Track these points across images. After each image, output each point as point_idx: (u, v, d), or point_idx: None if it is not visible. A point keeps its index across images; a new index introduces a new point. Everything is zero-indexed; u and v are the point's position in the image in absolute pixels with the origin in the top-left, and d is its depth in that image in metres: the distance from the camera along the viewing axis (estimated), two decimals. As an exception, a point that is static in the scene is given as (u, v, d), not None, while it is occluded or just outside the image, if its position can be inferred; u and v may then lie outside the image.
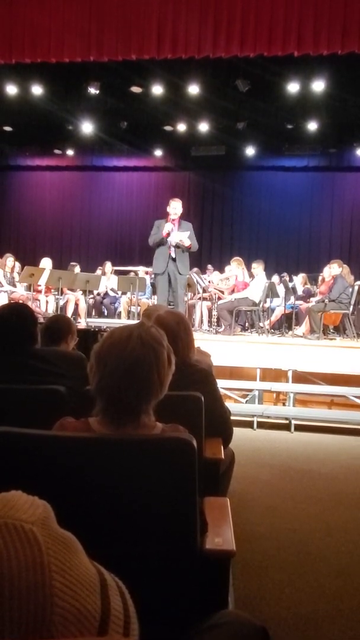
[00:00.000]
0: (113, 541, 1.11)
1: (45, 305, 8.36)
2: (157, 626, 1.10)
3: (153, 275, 7.25)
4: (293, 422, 5.25)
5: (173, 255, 6.37)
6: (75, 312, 8.60)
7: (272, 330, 8.19)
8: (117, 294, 9.41)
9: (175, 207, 6.50)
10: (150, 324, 1.38)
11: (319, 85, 8.99)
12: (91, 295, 9.13)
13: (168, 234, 6.36)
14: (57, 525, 0.58)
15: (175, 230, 6.39)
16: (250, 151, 12.86)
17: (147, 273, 10.25)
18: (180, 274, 6.41)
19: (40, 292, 8.30)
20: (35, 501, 0.58)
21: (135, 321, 1.56)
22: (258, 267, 7.81)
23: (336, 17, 6.33)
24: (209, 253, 14.01)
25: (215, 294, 8.35)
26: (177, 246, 6.36)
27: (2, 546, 0.51)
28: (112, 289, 9.38)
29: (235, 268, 8.06)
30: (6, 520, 0.53)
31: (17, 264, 8.92)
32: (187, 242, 6.34)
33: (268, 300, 8.01)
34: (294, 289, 8.25)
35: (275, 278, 9.45)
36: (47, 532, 0.55)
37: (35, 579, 0.51)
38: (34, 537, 0.53)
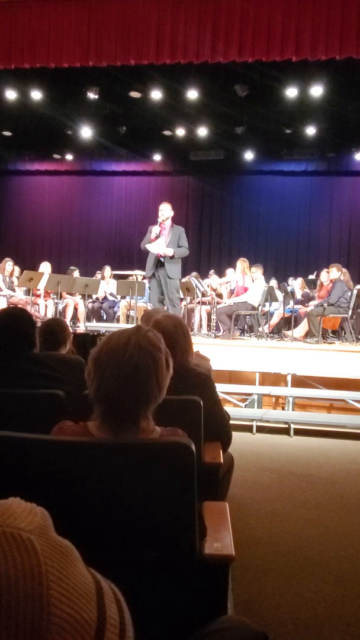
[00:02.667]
0: (111, 546, 1.11)
1: (44, 310, 8.35)
2: (156, 632, 1.09)
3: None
4: (292, 426, 5.25)
5: (162, 259, 6.38)
6: (74, 317, 8.60)
7: (271, 335, 8.19)
8: (116, 298, 9.41)
9: (162, 210, 6.50)
10: (148, 327, 1.37)
11: (317, 90, 9.03)
12: (90, 300, 9.13)
13: (157, 237, 6.38)
14: (54, 533, 0.58)
15: (162, 237, 6.38)
16: (249, 156, 12.89)
17: (144, 278, 10.26)
18: (170, 277, 6.38)
19: (39, 296, 8.29)
20: (33, 509, 0.58)
21: (133, 325, 1.55)
22: (257, 272, 7.81)
23: (334, 22, 6.35)
24: (208, 257, 14.04)
25: (214, 299, 8.35)
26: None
27: (0, 555, 0.51)
28: (111, 294, 9.38)
29: (234, 273, 8.05)
30: (4, 529, 0.53)
31: (16, 268, 8.92)
32: (169, 252, 6.32)
33: (267, 304, 8.01)
34: (292, 293, 8.26)
35: (274, 282, 9.46)
36: (45, 540, 0.55)
37: (33, 588, 0.51)
38: (31, 546, 0.53)
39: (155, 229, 6.40)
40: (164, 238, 6.39)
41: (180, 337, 2.16)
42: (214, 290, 8.92)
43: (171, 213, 6.55)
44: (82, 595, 0.55)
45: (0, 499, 0.59)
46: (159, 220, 6.49)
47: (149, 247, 6.40)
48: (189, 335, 2.29)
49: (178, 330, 2.17)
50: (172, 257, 6.32)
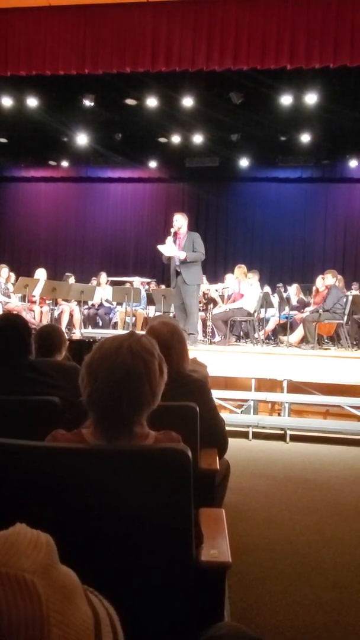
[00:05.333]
0: (107, 553, 1.10)
1: (39, 316, 8.33)
2: (153, 639, 1.09)
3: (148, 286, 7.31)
4: (288, 432, 5.24)
5: (178, 269, 6.53)
6: (70, 323, 8.58)
7: (267, 341, 8.20)
8: (112, 304, 9.41)
9: (176, 220, 6.65)
10: (142, 333, 1.37)
11: (311, 98, 9.10)
12: (86, 306, 9.12)
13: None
14: (58, 568, 0.57)
15: (172, 244, 6.52)
16: (244, 162, 12.95)
17: (141, 284, 10.27)
18: (186, 284, 6.51)
19: (34, 302, 8.27)
20: (38, 542, 0.57)
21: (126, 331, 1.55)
22: (253, 277, 7.83)
23: (328, 30, 6.41)
24: (204, 264, 14.02)
25: (207, 306, 8.36)
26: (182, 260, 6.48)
27: (3, 599, 0.50)
28: (106, 300, 9.38)
29: (232, 279, 8.06)
30: (8, 570, 0.52)
31: (12, 275, 8.90)
32: (181, 255, 6.44)
33: (262, 310, 8.02)
34: (288, 299, 8.28)
35: (267, 289, 9.48)
36: (48, 581, 0.54)
37: (34, 634, 0.50)
38: (34, 590, 0.52)
39: (167, 240, 6.54)
40: (178, 242, 6.55)
41: (175, 343, 2.16)
42: (205, 294, 8.93)
43: (184, 222, 6.68)
44: (82, 634, 0.55)
45: None
46: (172, 230, 6.62)
47: (160, 248, 6.54)
48: (185, 341, 2.28)
49: (174, 336, 2.17)
50: (184, 260, 6.45)
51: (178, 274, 6.55)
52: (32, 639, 0.50)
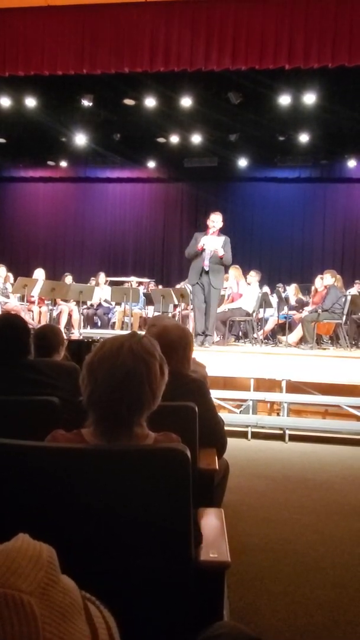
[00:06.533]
0: (106, 553, 1.10)
1: (38, 316, 8.32)
2: (152, 639, 1.09)
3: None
4: (287, 432, 5.25)
5: (207, 268, 6.42)
6: (69, 323, 8.58)
7: (266, 341, 8.21)
8: (111, 304, 9.40)
9: (214, 220, 6.52)
10: (143, 333, 1.37)
11: (310, 98, 9.11)
12: (85, 306, 9.12)
13: (203, 248, 6.40)
14: (57, 587, 0.56)
15: (210, 239, 6.43)
16: (242, 163, 12.96)
17: (140, 284, 10.27)
18: (213, 287, 6.43)
19: (33, 303, 8.27)
20: (40, 558, 0.56)
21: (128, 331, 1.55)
22: (254, 277, 7.84)
23: (326, 30, 6.41)
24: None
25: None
26: (211, 260, 6.37)
27: None
28: (105, 300, 9.37)
29: (231, 279, 8.07)
30: (5, 591, 0.52)
31: (10, 275, 8.89)
32: (220, 252, 6.35)
33: (261, 310, 8.03)
34: (286, 299, 8.28)
35: (266, 289, 9.48)
36: (46, 602, 0.54)
37: None
38: (31, 611, 0.52)
39: (204, 239, 6.44)
40: (214, 238, 6.44)
41: (180, 347, 2.16)
42: None
43: (221, 224, 6.57)
44: None
45: None
46: (211, 231, 6.50)
47: (204, 239, 6.40)
48: (191, 347, 2.28)
49: (182, 340, 2.18)
50: (221, 258, 6.36)
51: (205, 273, 6.43)
52: None
